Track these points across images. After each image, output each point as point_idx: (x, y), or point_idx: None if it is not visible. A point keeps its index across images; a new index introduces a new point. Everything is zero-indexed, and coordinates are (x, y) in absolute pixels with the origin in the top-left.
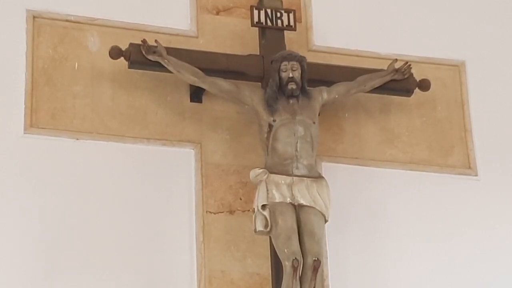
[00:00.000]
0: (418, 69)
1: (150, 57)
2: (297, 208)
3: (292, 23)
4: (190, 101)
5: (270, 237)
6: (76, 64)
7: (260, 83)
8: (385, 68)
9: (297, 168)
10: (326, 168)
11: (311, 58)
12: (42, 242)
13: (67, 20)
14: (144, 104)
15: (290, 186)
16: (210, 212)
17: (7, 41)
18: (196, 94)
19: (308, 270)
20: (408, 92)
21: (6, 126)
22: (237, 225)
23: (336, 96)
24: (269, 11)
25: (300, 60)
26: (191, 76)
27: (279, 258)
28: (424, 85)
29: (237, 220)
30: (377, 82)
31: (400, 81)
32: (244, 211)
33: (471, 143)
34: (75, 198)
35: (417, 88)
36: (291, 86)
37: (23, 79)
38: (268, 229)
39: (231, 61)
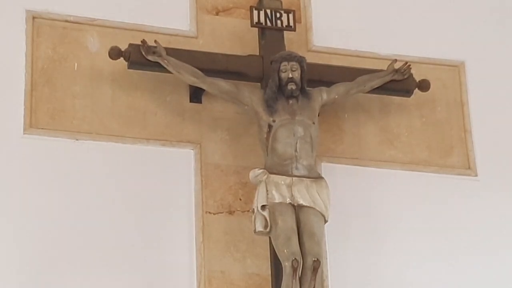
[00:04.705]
0: (417, 70)
1: (150, 58)
2: (297, 209)
3: (291, 23)
4: (190, 102)
5: (269, 238)
6: (76, 64)
7: (259, 84)
8: (385, 69)
9: (296, 168)
10: (326, 168)
11: (310, 58)
12: (42, 242)
13: (66, 21)
14: (143, 105)
15: (289, 187)
16: (209, 212)
17: (7, 42)
18: (196, 94)
19: (308, 270)
20: (407, 93)
21: (6, 127)
22: (237, 225)
23: (336, 97)
24: (268, 11)
25: (300, 60)
26: (191, 76)
27: (278, 259)
28: (423, 85)
29: (236, 220)
30: (377, 83)
31: (399, 82)
32: (243, 212)
33: (471, 144)
34: (75, 199)
35: (416, 89)
36: (291, 86)
37: (23, 80)
38: (268, 229)
39: (231, 61)
